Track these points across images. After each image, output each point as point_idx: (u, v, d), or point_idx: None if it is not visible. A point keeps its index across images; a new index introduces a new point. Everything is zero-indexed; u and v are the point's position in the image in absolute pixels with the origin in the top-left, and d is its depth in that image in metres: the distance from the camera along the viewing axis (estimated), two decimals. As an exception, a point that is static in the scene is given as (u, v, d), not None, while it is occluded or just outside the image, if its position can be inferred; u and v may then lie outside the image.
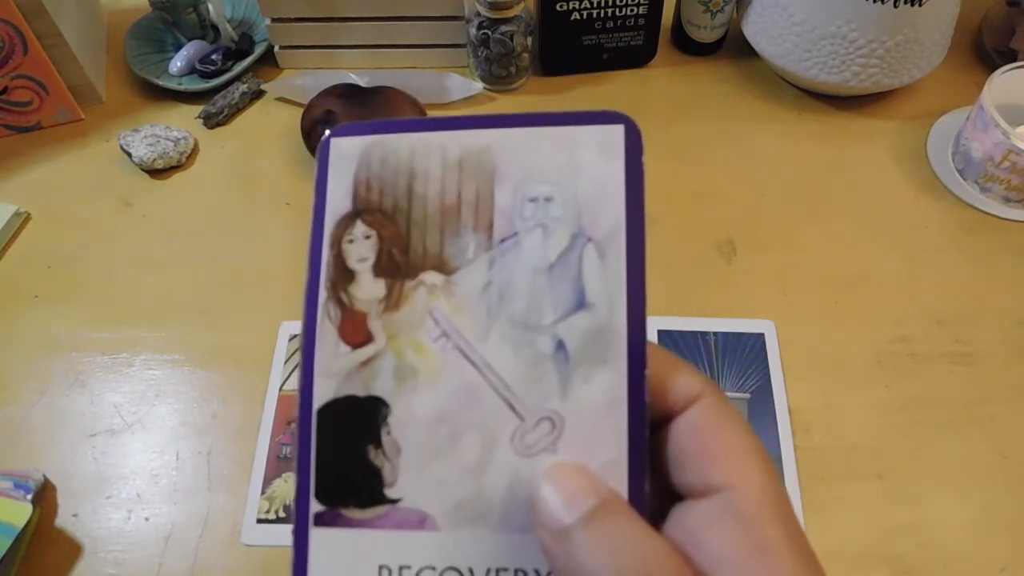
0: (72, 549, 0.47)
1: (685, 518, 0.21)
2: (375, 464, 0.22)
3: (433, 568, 0.21)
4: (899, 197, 0.63)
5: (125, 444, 0.51)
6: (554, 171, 0.23)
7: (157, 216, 0.63)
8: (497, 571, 0.21)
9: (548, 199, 0.23)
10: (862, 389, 0.53)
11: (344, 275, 0.23)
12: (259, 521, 0.48)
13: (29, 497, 0.46)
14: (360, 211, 0.23)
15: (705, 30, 0.71)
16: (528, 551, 0.21)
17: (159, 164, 0.64)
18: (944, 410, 0.52)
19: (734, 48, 0.73)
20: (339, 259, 0.23)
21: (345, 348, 0.23)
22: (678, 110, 0.69)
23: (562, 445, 0.21)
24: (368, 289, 0.23)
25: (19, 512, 0.45)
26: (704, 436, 0.21)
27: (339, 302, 0.23)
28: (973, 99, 0.63)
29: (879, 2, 0.59)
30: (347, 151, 0.24)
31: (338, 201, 0.24)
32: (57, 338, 0.56)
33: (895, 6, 0.59)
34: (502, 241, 0.23)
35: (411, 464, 0.22)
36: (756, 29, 0.68)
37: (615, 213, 0.22)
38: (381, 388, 0.22)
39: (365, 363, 0.22)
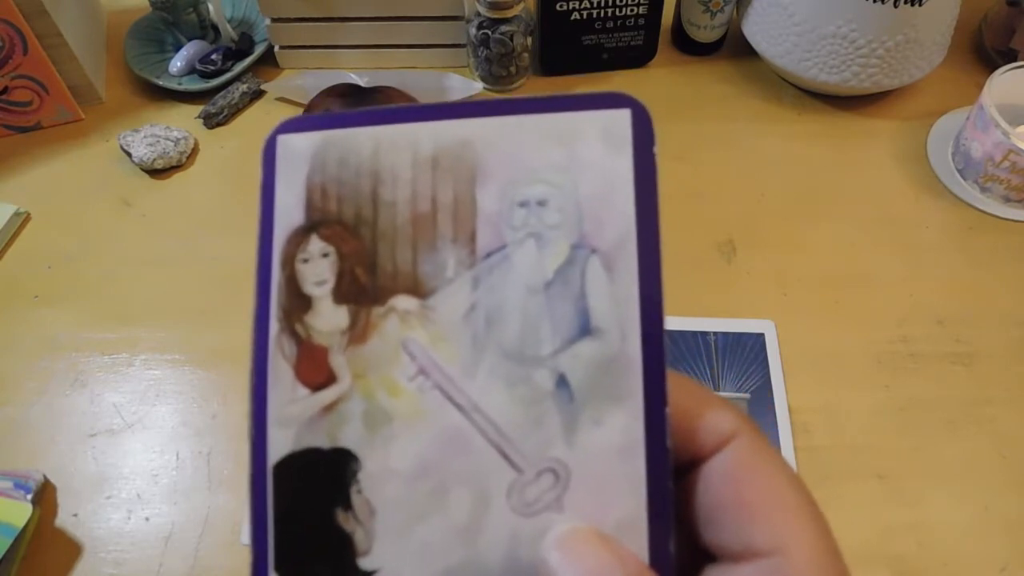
0: (72, 549, 0.47)
1: None
2: (345, 529, 0.18)
3: None
4: (899, 197, 0.63)
5: (125, 444, 0.51)
6: (548, 168, 0.19)
7: (157, 216, 0.63)
8: None
9: (542, 203, 0.19)
10: (862, 389, 0.53)
11: (299, 302, 0.19)
12: (259, 521, 0.48)
13: (29, 497, 0.46)
14: (315, 223, 0.19)
15: (705, 30, 0.71)
16: None
17: (159, 164, 0.64)
18: (944, 410, 0.52)
19: (734, 48, 0.73)
20: (292, 283, 0.19)
21: (303, 391, 0.19)
22: (678, 110, 0.69)
23: (569, 501, 0.18)
24: (328, 318, 0.19)
25: (19, 512, 0.45)
26: (741, 485, 0.18)
27: (294, 335, 0.19)
28: (973, 99, 0.63)
29: (879, 2, 0.59)
30: (297, 150, 0.20)
31: (289, 212, 0.20)
32: (57, 338, 0.56)
33: (895, 6, 0.59)
34: (488, 255, 0.19)
35: (388, 528, 0.18)
36: (756, 29, 0.68)
37: (623, 217, 0.18)
38: (349, 438, 0.19)
39: (328, 408, 0.19)
